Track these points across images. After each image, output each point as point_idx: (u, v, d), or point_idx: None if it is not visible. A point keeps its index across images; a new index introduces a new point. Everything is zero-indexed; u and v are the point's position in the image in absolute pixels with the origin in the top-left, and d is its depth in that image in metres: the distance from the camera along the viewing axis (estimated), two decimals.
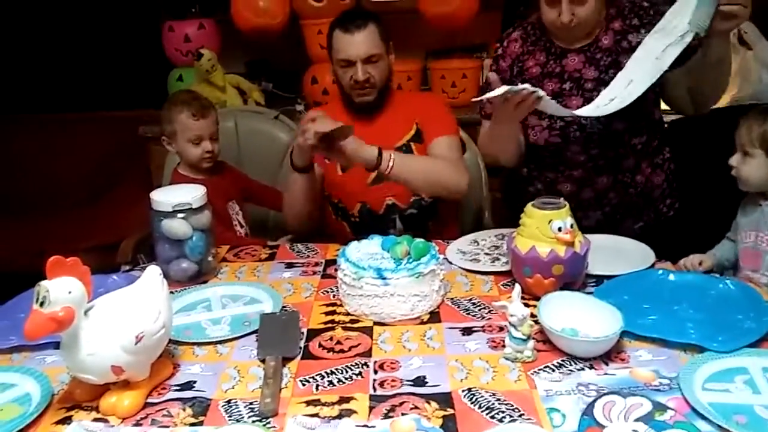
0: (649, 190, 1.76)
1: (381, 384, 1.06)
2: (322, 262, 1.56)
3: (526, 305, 1.10)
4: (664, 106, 1.74)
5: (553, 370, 1.07)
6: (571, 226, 1.28)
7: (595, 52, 1.64)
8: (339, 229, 1.85)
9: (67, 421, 1.00)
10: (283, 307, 1.34)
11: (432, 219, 1.84)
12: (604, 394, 0.97)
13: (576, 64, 1.65)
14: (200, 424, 0.98)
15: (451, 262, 1.50)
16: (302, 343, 1.20)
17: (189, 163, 1.87)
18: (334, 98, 1.95)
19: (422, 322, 1.26)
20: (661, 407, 0.93)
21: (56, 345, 1.15)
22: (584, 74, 1.64)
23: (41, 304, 0.93)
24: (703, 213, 1.87)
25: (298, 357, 1.15)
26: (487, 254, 1.55)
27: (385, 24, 1.77)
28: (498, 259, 1.51)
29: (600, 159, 1.66)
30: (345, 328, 1.25)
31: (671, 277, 1.34)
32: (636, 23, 1.61)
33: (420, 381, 1.06)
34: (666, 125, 1.87)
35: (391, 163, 1.61)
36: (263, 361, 1.12)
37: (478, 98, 1.51)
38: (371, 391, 1.04)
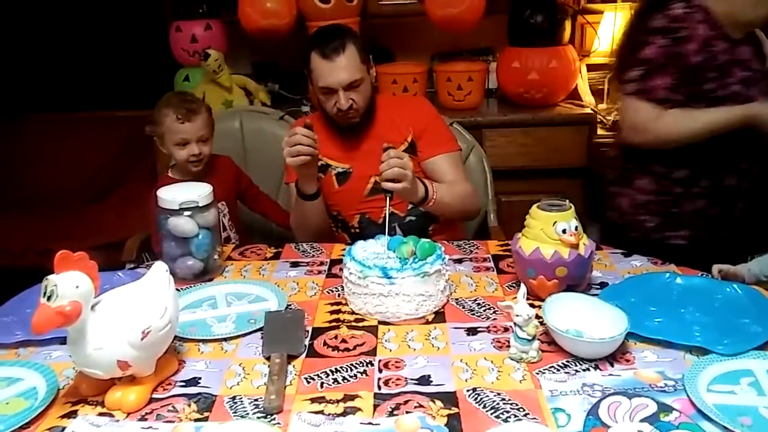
0: None
1: (386, 382, 1.06)
2: (327, 262, 1.56)
3: (532, 306, 1.10)
4: None
5: (558, 371, 1.07)
6: (576, 229, 1.27)
7: (757, 44, 1.65)
8: (340, 240, 1.82)
9: (72, 415, 1.00)
10: (288, 305, 1.34)
11: (433, 223, 1.84)
12: (610, 395, 0.97)
13: (747, 54, 1.63)
14: (205, 419, 0.98)
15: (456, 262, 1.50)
16: (307, 342, 1.20)
17: (177, 165, 1.85)
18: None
19: (427, 322, 1.26)
20: (666, 408, 0.93)
21: (62, 340, 1.14)
22: (752, 64, 1.63)
23: (48, 298, 0.93)
24: None
25: (303, 355, 1.15)
26: None
27: (361, 40, 1.72)
28: None
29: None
30: (350, 327, 1.25)
31: (678, 280, 1.34)
32: None
33: (425, 380, 1.06)
34: None
35: (435, 196, 1.62)
36: (268, 358, 1.13)
37: None
38: (376, 390, 1.04)
